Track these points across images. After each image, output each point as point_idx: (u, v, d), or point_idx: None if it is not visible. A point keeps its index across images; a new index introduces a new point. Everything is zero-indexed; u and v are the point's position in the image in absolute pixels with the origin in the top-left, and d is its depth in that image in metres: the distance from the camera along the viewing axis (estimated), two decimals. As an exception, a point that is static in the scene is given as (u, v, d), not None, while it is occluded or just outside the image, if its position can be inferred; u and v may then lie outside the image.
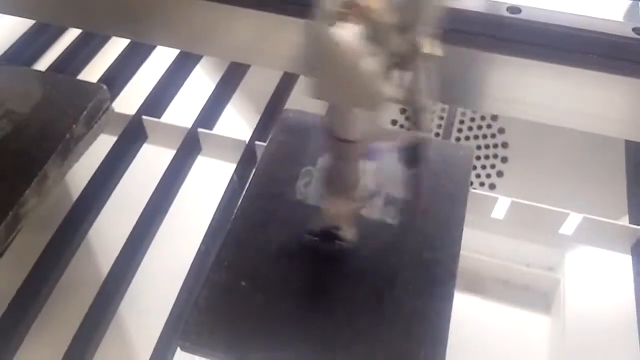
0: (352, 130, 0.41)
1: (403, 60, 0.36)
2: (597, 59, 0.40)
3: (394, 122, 1.02)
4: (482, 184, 0.98)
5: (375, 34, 0.34)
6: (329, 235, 0.50)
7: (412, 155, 0.46)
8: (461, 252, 0.55)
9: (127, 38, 0.77)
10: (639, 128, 0.46)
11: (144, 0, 0.51)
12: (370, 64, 0.34)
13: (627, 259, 0.65)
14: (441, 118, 0.98)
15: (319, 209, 0.54)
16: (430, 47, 0.37)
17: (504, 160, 0.97)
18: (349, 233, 0.50)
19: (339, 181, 0.46)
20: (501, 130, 0.97)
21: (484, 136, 0.99)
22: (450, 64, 0.45)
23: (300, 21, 0.48)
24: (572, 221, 0.65)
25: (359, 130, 0.41)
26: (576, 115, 0.45)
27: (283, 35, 0.55)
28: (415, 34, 0.36)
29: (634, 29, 0.40)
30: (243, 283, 0.50)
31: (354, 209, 0.50)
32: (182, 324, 0.49)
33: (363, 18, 0.34)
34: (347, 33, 0.33)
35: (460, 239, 0.54)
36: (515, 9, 0.41)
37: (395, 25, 0.35)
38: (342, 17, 0.33)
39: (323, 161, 0.47)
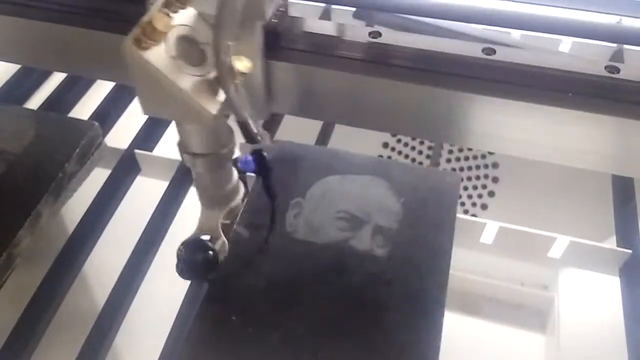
0: (196, 143, 0.42)
1: (217, 77, 0.38)
2: (574, 97, 0.41)
3: (386, 145, 1.03)
4: (474, 205, 0.99)
5: (186, 54, 0.37)
6: (200, 245, 0.50)
7: (262, 164, 0.47)
8: (455, 272, 0.55)
9: (114, 81, 0.79)
10: (621, 163, 0.47)
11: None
12: (182, 82, 0.36)
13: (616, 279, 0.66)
14: (429, 148, 0.99)
15: (307, 242, 0.55)
16: (237, 64, 0.38)
17: (495, 180, 0.98)
18: (218, 244, 0.50)
19: (203, 193, 0.47)
20: (491, 152, 0.98)
21: (475, 157, 1.00)
22: (430, 103, 0.46)
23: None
24: (560, 245, 0.66)
25: (205, 143, 0.42)
26: (557, 151, 0.45)
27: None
28: (226, 52, 0.37)
29: (606, 67, 0.41)
30: (234, 317, 0.51)
31: (224, 220, 0.51)
32: (175, 358, 0.49)
33: (174, 39, 0.36)
34: (157, 55, 0.35)
35: (449, 266, 0.55)
36: (490, 50, 0.43)
37: (204, 44, 0.37)
38: (154, 38, 0.35)
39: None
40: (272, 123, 0.80)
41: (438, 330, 0.50)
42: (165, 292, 0.66)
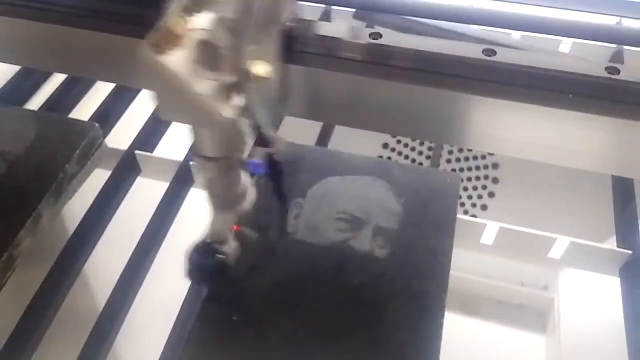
0: (210, 147, 0.42)
1: (237, 82, 0.37)
2: (574, 98, 0.41)
3: (386, 146, 1.03)
4: (474, 205, 0.99)
5: (205, 59, 0.36)
6: (211, 250, 0.49)
7: (274, 168, 0.47)
8: (456, 273, 0.55)
9: (114, 83, 0.79)
10: (621, 164, 0.47)
11: (129, 47, 0.52)
12: (201, 87, 0.36)
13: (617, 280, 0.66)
14: (430, 149, 0.99)
15: (307, 243, 0.55)
16: (258, 69, 0.38)
17: (495, 181, 0.98)
18: (229, 248, 0.50)
19: (214, 197, 0.47)
20: (491, 153, 0.98)
21: (475, 158, 1.00)
22: (431, 105, 0.46)
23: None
24: (560, 245, 0.66)
25: (219, 147, 0.42)
26: (558, 152, 0.45)
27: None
28: (244, 56, 0.37)
29: (606, 69, 0.41)
30: (235, 318, 0.51)
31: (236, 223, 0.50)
32: (176, 358, 0.49)
33: (193, 43, 0.36)
34: (175, 60, 0.35)
35: (449, 267, 0.55)
36: (490, 52, 0.43)
37: (224, 49, 0.36)
38: (172, 43, 0.35)
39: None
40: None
41: (439, 330, 0.50)
42: (166, 292, 0.66)
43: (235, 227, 0.49)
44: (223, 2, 0.37)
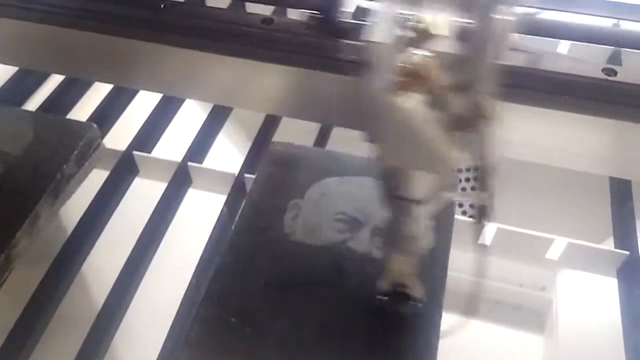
0: (419, 190, 0.40)
1: (467, 122, 0.36)
2: (571, 99, 0.41)
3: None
4: (472, 206, 0.99)
5: (436, 99, 0.34)
6: (399, 295, 0.49)
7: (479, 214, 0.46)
8: (453, 273, 0.55)
9: (111, 84, 0.79)
10: (618, 165, 0.47)
11: (127, 48, 0.52)
12: (435, 129, 0.34)
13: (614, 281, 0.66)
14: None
15: (305, 244, 0.55)
16: (491, 108, 0.36)
17: (493, 182, 0.98)
18: (417, 290, 0.49)
19: (402, 239, 0.45)
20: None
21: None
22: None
23: (278, 67, 0.49)
24: (558, 246, 0.66)
25: (426, 190, 0.40)
26: (554, 154, 0.46)
27: (263, 80, 0.56)
28: (475, 95, 0.35)
29: (603, 70, 0.41)
30: (233, 319, 0.51)
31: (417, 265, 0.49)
32: (173, 359, 0.50)
33: (424, 84, 0.34)
34: (412, 101, 0.33)
35: (447, 268, 0.55)
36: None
37: (454, 87, 0.35)
38: (405, 86, 0.33)
39: (381, 218, 0.46)
40: (270, 125, 0.80)
41: (436, 331, 0.50)
42: (163, 293, 0.66)
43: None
44: (447, 37, 0.35)
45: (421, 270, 0.53)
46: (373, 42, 0.34)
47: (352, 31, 0.39)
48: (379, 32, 0.34)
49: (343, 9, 0.51)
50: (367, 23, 0.35)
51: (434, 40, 0.35)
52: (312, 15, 0.51)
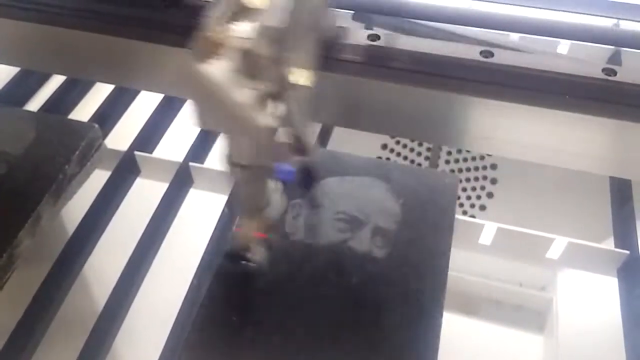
0: (245, 155, 0.42)
1: (276, 91, 0.37)
2: (571, 100, 0.41)
3: (385, 146, 1.03)
4: (472, 206, 0.99)
5: (247, 67, 0.36)
6: (238, 257, 0.50)
7: (307, 178, 0.47)
8: (454, 273, 0.55)
9: (113, 84, 0.79)
10: (618, 165, 0.47)
11: (129, 48, 0.53)
12: (241, 96, 0.36)
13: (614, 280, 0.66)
14: (428, 149, 0.99)
15: (306, 243, 0.55)
16: (299, 77, 0.38)
17: (493, 181, 0.99)
18: (257, 254, 0.50)
19: (246, 204, 0.47)
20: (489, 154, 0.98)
21: (473, 158, 1.00)
22: (429, 106, 0.47)
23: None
24: (558, 245, 0.67)
25: (252, 155, 0.42)
26: (555, 153, 0.46)
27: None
28: (283, 65, 0.37)
29: (603, 70, 0.41)
30: (234, 318, 0.51)
31: (263, 230, 0.50)
32: (175, 359, 0.50)
33: (234, 52, 0.35)
34: (216, 68, 0.35)
35: (447, 267, 0.55)
36: (488, 53, 0.43)
37: (267, 58, 0.36)
38: (214, 51, 0.35)
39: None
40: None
41: (437, 330, 0.50)
42: (165, 292, 0.66)
43: (260, 234, 0.49)
44: (266, 10, 0.36)
45: (422, 269, 0.53)
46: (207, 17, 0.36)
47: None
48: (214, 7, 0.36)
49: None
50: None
51: (253, 14, 0.36)
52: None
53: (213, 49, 0.35)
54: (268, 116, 0.37)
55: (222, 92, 0.35)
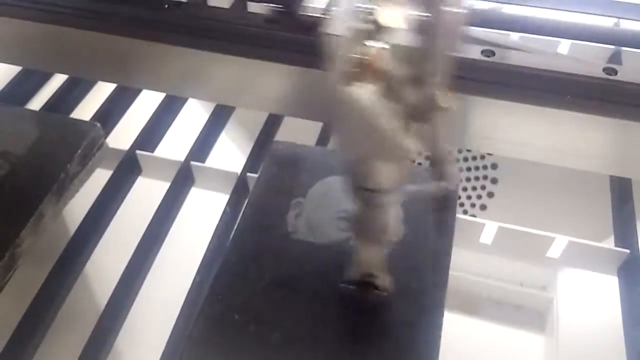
0: (379, 180, 0.41)
1: (420, 113, 0.36)
2: (572, 99, 0.41)
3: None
4: (473, 205, 0.99)
5: (391, 90, 0.35)
6: (366, 284, 0.50)
7: (442, 204, 0.46)
8: (454, 273, 0.56)
9: (114, 83, 0.79)
10: (618, 164, 0.47)
11: (130, 47, 0.53)
12: (388, 120, 0.34)
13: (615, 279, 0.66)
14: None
15: (308, 242, 0.55)
16: (444, 99, 0.36)
17: (494, 181, 0.99)
18: (384, 281, 0.50)
19: (369, 229, 0.46)
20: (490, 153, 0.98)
21: (474, 158, 1.00)
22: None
23: (280, 66, 0.49)
24: (559, 244, 0.67)
25: (386, 180, 0.41)
26: (555, 153, 0.46)
27: (265, 80, 0.56)
28: (429, 87, 0.35)
29: (604, 69, 0.42)
30: (236, 317, 0.51)
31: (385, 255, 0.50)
32: (177, 357, 0.50)
33: (377, 76, 0.34)
34: (364, 92, 0.34)
35: (448, 266, 0.55)
36: (489, 52, 0.43)
37: (409, 79, 0.35)
38: (358, 77, 0.34)
39: (351, 208, 0.46)
40: (272, 124, 0.81)
41: (437, 330, 0.50)
42: (167, 292, 0.66)
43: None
44: (403, 30, 0.35)
45: (422, 269, 0.53)
46: (332, 35, 0.34)
47: (314, 25, 0.39)
48: (338, 25, 0.35)
49: (306, 4, 0.51)
50: (327, 17, 0.35)
51: (390, 33, 0.35)
52: (276, 9, 0.51)
53: (364, 73, 0.34)
54: (414, 140, 0.36)
55: (371, 116, 0.34)
